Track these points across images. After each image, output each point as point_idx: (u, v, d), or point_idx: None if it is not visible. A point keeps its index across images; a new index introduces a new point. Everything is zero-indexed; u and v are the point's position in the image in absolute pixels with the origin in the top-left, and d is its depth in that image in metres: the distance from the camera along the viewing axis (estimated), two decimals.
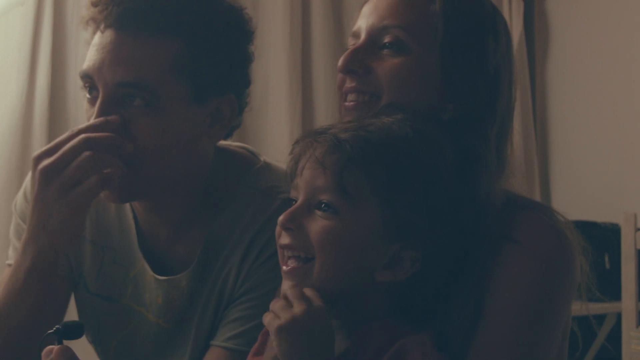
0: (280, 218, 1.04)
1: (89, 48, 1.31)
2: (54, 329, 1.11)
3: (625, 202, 3.45)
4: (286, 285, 1.04)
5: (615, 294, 2.69)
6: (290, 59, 3.20)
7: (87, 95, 1.31)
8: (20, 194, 1.50)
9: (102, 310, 1.45)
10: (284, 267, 1.04)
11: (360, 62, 1.15)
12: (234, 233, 1.36)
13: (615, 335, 2.95)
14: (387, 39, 1.15)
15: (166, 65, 1.27)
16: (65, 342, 1.12)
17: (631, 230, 2.58)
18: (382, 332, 1.01)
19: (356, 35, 1.19)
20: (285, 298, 1.00)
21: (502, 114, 1.16)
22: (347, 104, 1.17)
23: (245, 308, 1.33)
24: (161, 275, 1.39)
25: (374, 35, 1.16)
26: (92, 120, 1.26)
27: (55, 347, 1.09)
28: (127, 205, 1.43)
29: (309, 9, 3.30)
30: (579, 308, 1.15)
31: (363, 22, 1.18)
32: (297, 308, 0.98)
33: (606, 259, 3.24)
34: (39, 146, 2.55)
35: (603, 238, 3.24)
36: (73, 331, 1.13)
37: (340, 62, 1.17)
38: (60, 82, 2.67)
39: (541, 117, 3.98)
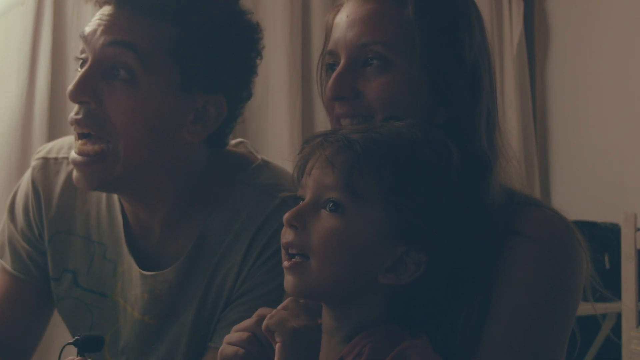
0: (286, 215, 1.04)
1: None
2: (74, 339, 1.10)
3: (625, 202, 3.45)
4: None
5: (615, 294, 2.69)
6: (290, 59, 3.20)
7: (78, 69, 1.31)
8: (19, 195, 1.50)
9: (93, 305, 1.44)
10: (285, 263, 1.04)
11: (347, 86, 1.15)
12: (230, 230, 1.35)
13: (615, 335, 2.95)
14: (368, 56, 1.15)
15: (158, 44, 1.27)
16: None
17: (631, 230, 2.59)
18: (381, 338, 1.01)
19: (334, 53, 1.19)
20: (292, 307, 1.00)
21: (488, 105, 1.17)
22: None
23: (245, 309, 1.32)
24: (150, 271, 1.39)
25: (354, 54, 1.16)
26: None
27: (77, 358, 1.09)
28: (117, 201, 1.43)
29: (309, 9, 3.30)
30: (579, 308, 1.14)
31: (340, 39, 1.18)
32: (308, 319, 0.98)
33: (606, 259, 3.25)
34: (39, 146, 2.54)
35: (603, 238, 3.24)
36: (93, 344, 1.12)
37: (328, 90, 1.17)
38: (60, 82, 2.67)
39: (541, 117, 3.98)
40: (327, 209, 1.02)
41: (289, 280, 1.03)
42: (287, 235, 1.04)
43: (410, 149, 1.04)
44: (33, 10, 2.59)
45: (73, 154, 1.31)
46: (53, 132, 2.61)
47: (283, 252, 1.05)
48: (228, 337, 1.02)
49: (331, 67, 1.19)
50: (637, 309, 2.57)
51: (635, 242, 2.58)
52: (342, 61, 1.17)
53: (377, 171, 1.02)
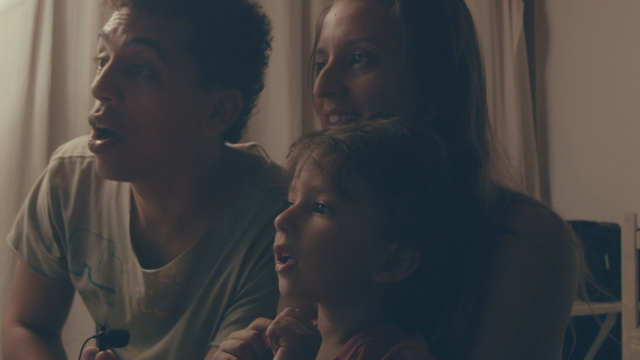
0: (277, 219, 1.04)
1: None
2: (99, 333, 1.11)
3: (625, 202, 3.45)
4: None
5: (615, 294, 2.68)
6: (290, 59, 3.20)
7: (99, 67, 1.33)
8: (40, 197, 1.53)
9: (105, 300, 1.47)
10: (278, 266, 1.04)
11: (335, 83, 1.16)
12: (235, 231, 1.37)
13: (615, 335, 2.94)
14: (355, 53, 1.16)
15: (177, 42, 1.30)
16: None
17: (631, 230, 2.58)
18: (376, 338, 1.01)
19: (323, 52, 1.20)
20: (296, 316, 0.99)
21: (477, 101, 1.17)
22: (331, 125, 1.17)
23: (247, 310, 1.33)
24: (154, 268, 1.40)
25: (342, 51, 1.17)
26: None
27: (98, 353, 1.08)
28: (127, 199, 1.45)
29: (309, 9, 3.30)
30: (577, 308, 1.14)
31: (328, 37, 1.19)
32: (312, 328, 0.98)
33: (606, 259, 3.24)
34: (39, 146, 2.55)
35: (603, 238, 3.24)
36: (118, 338, 1.13)
37: (315, 86, 1.18)
38: (60, 82, 2.67)
39: (541, 117, 3.98)
40: (318, 211, 1.02)
41: (282, 284, 1.04)
42: (278, 239, 1.04)
43: (398, 145, 1.04)
44: (33, 10, 2.59)
45: (90, 139, 1.32)
46: (53, 132, 2.61)
47: (276, 255, 1.05)
48: (224, 344, 1.02)
49: (321, 66, 1.20)
50: (637, 309, 2.56)
51: (635, 242, 2.57)
52: (330, 58, 1.18)
53: (365, 170, 1.02)
